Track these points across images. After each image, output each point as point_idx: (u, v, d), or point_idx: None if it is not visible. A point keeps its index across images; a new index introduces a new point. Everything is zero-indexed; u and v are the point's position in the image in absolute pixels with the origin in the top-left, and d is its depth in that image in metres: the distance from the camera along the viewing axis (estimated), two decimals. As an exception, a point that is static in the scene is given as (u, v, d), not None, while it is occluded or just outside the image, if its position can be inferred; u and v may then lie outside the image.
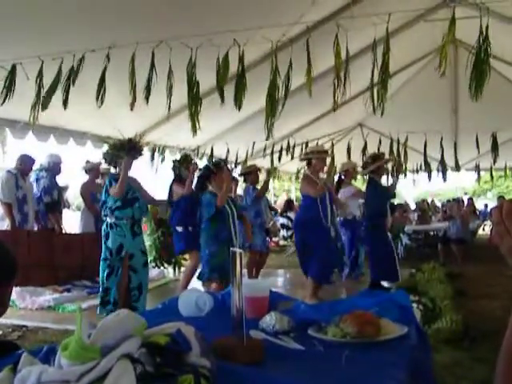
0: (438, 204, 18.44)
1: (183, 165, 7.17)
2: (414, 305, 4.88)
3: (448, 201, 15.46)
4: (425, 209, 14.94)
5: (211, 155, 10.27)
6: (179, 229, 7.02)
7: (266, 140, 6.15)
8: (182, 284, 6.94)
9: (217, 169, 6.34)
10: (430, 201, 18.87)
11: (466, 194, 23.70)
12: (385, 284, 7.14)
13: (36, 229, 7.80)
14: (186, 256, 8.14)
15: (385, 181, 7.79)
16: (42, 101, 5.12)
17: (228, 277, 5.98)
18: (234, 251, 1.34)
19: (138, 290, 5.66)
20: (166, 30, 5.07)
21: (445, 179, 12.71)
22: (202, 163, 8.52)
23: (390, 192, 7.59)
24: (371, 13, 5.13)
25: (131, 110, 5.30)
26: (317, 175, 6.57)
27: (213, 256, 6.02)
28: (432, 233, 12.71)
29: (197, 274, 6.65)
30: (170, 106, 5.36)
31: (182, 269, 8.66)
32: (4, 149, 7.29)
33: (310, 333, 1.50)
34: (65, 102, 5.17)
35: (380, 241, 7.16)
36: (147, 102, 5.25)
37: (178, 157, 8.21)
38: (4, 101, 5.02)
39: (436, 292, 6.08)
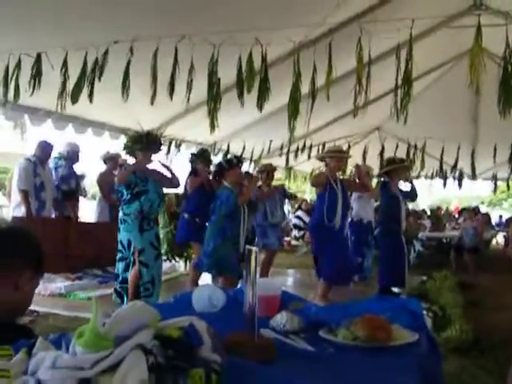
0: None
1: (199, 159, 7.24)
2: (424, 312, 4.86)
3: (463, 209, 15.35)
4: (439, 216, 14.85)
5: (227, 152, 10.29)
6: (186, 215, 7.10)
7: (289, 142, 6.16)
8: (191, 278, 6.98)
9: (229, 165, 6.36)
10: (445, 208, 18.77)
11: (482, 203, 23.47)
12: (394, 290, 7.11)
13: (54, 216, 7.88)
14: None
15: (403, 186, 7.75)
16: (71, 94, 5.19)
17: (228, 272, 6.06)
18: (250, 249, 1.35)
19: (152, 284, 5.67)
20: (189, 25, 5.10)
21: (460, 187, 12.65)
22: (217, 159, 8.55)
23: (408, 196, 7.58)
24: (394, 18, 5.11)
25: (151, 104, 5.34)
26: (334, 175, 6.55)
27: (216, 250, 6.04)
28: (445, 240, 12.63)
29: (195, 263, 6.69)
30: (188, 101, 5.38)
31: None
32: (23, 136, 7.35)
33: (321, 334, 1.51)
34: (90, 96, 5.23)
35: (393, 246, 7.13)
36: (171, 98, 5.29)
37: (194, 151, 8.27)
38: (33, 91, 5.09)
39: (446, 300, 6.05)
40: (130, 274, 5.62)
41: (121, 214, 5.67)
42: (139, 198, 5.58)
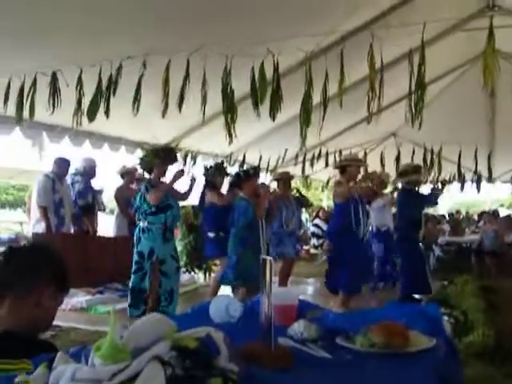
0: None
1: (217, 172, 7.29)
2: (445, 317, 4.82)
3: (482, 213, 15.19)
4: (458, 220, 14.71)
5: (243, 162, 10.31)
6: (211, 234, 7.11)
7: (300, 150, 6.18)
8: (212, 290, 6.99)
9: (246, 176, 6.39)
10: (464, 212, 18.59)
11: (502, 205, 23.22)
12: (416, 296, 7.06)
13: (72, 231, 7.95)
14: (217, 262, 8.20)
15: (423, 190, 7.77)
16: (88, 112, 5.26)
17: (253, 283, 6.05)
18: (265, 258, 1.36)
19: (170, 295, 5.71)
20: (201, 37, 5.13)
21: (479, 190, 12.54)
22: (233, 170, 8.58)
23: (428, 201, 7.54)
24: (406, 22, 5.10)
25: (163, 117, 5.39)
26: (349, 183, 6.55)
27: (239, 261, 6.05)
28: (465, 245, 12.49)
29: (220, 276, 6.70)
30: (204, 114, 5.42)
31: (213, 274, 8.71)
32: (42, 153, 7.46)
33: (338, 342, 1.51)
34: (106, 112, 5.29)
35: (412, 253, 7.09)
36: (180, 109, 5.33)
37: (210, 163, 8.31)
38: (54, 110, 5.17)
39: (468, 305, 5.98)
40: (151, 284, 5.65)
41: (143, 224, 5.69)
42: (165, 212, 5.68)
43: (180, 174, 5.94)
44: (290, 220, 7.87)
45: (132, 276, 5.76)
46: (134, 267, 5.73)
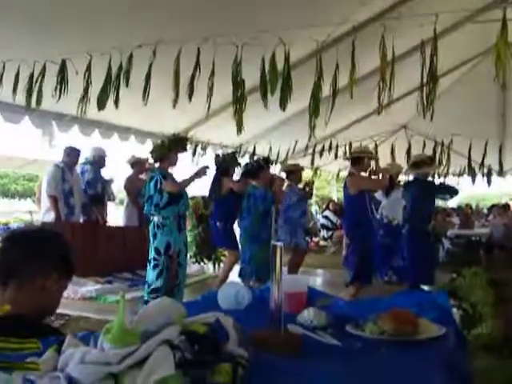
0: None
1: (233, 159, 7.30)
2: (454, 309, 4.80)
3: (493, 206, 15.11)
4: (468, 213, 14.64)
5: (253, 153, 10.31)
6: (219, 224, 7.12)
7: (309, 141, 6.17)
8: (221, 280, 7.01)
9: (267, 165, 6.38)
10: (474, 206, 18.49)
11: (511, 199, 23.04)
12: (424, 287, 7.04)
13: (82, 221, 7.99)
14: (226, 252, 8.22)
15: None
16: (98, 100, 5.26)
17: (268, 277, 6.04)
18: (275, 245, 1.35)
19: (178, 283, 5.74)
20: (212, 27, 5.12)
21: (489, 184, 12.47)
22: (243, 161, 8.57)
23: (442, 192, 7.53)
24: (418, 13, 5.06)
25: (173, 107, 5.38)
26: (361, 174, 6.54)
27: (254, 257, 6.05)
28: (474, 238, 12.43)
29: (238, 272, 6.72)
30: (209, 105, 5.40)
31: (222, 265, 8.73)
32: (52, 142, 7.48)
33: (348, 329, 1.51)
34: (116, 102, 5.29)
35: (422, 246, 7.05)
36: (190, 99, 5.32)
37: (220, 153, 8.31)
38: (60, 97, 5.18)
39: (477, 298, 5.95)
40: (168, 279, 5.64)
41: (158, 219, 5.65)
42: (177, 202, 5.67)
43: (203, 171, 5.93)
44: (308, 211, 7.94)
45: (150, 273, 5.70)
46: (152, 263, 5.68)
